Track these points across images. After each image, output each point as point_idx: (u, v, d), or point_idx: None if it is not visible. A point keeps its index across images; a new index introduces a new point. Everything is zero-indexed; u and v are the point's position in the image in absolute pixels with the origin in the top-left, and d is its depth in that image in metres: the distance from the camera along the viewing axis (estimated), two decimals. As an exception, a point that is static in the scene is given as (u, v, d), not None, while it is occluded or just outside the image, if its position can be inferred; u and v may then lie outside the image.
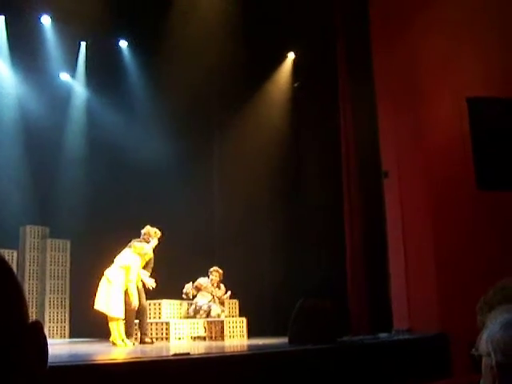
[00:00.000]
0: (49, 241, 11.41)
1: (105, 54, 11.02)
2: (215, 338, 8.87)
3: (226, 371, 4.84)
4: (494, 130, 7.45)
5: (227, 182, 11.12)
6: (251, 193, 10.57)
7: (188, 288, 9.30)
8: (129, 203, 10.79)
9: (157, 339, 8.56)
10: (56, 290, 11.27)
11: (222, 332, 8.85)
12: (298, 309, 6.65)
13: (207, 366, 4.86)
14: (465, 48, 7.53)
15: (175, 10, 10.18)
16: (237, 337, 9.01)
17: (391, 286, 7.88)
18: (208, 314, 9.11)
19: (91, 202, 10.87)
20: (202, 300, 9.24)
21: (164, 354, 6.29)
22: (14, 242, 10.98)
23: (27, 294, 10.68)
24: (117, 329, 7.65)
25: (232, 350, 7.19)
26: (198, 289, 9.34)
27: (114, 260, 7.99)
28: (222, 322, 8.96)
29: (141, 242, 8.28)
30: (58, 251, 11.50)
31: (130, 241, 8.29)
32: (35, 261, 11.33)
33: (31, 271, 11.24)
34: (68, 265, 11.53)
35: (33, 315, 10.15)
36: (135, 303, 7.81)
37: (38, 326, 0.81)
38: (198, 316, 9.17)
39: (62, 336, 11.04)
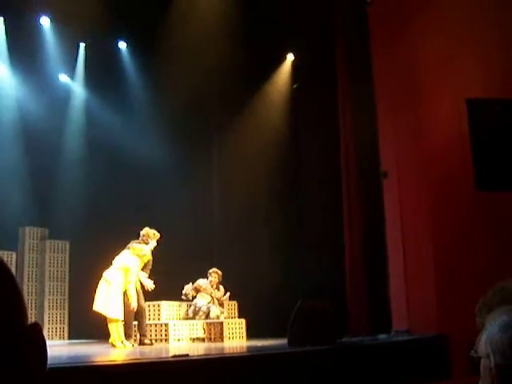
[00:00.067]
0: (48, 242, 11.40)
1: (104, 56, 11.02)
2: (214, 339, 8.86)
3: (225, 372, 4.84)
4: (493, 131, 7.45)
5: (226, 182, 11.12)
6: (250, 194, 10.58)
7: (187, 289, 9.29)
8: (128, 205, 10.79)
9: (156, 340, 8.56)
10: (55, 291, 11.26)
11: (222, 333, 8.84)
12: (297, 310, 6.65)
13: (206, 367, 4.86)
14: (464, 49, 7.53)
15: (174, 11, 10.18)
16: (236, 338, 9.00)
17: (390, 286, 7.89)
18: (207, 316, 9.10)
19: (90, 204, 10.86)
20: (202, 301, 9.24)
21: (163, 355, 6.30)
22: (13, 244, 10.97)
23: (26, 295, 10.67)
24: (116, 330, 7.65)
25: (231, 351, 7.19)
26: (198, 290, 9.33)
27: (113, 261, 7.99)
28: (222, 323, 8.95)
29: (140, 243, 8.28)
30: (58, 252, 11.49)
31: (128, 242, 8.30)
32: (34, 262, 11.31)
33: (30, 272, 11.22)
34: (67, 266, 11.51)
35: (32, 317, 10.14)
36: (134, 304, 7.81)
37: (36, 328, 0.81)
38: (197, 317, 9.16)
39: (61, 337, 11.02)
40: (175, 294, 9.33)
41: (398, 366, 5.95)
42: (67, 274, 11.48)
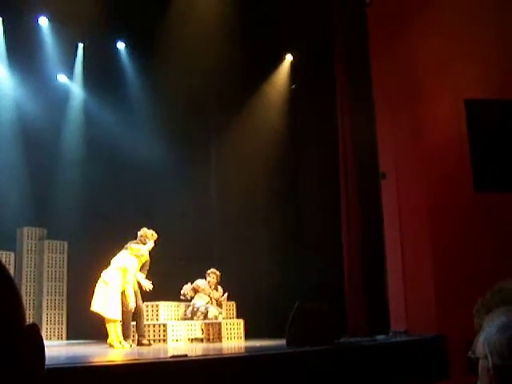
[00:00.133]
0: (46, 242, 11.38)
1: (102, 56, 11.00)
2: (213, 339, 8.86)
3: (223, 373, 4.84)
4: (492, 132, 7.46)
5: (225, 182, 11.11)
6: (249, 194, 10.57)
7: (186, 289, 9.29)
8: (126, 205, 10.79)
9: (154, 341, 8.55)
10: (53, 291, 11.25)
11: (220, 334, 8.84)
12: (296, 310, 6.65)
13: (205, 367, 4.85)
14: (463, 49, 7.54)
15: (173, 11, 10.17)
16: (234, 338, 9.00)
17: (388, 287, 7.89)
18: (205, 316, 9.09)
19: (89, 204, 10.85)
20: (200, 302, 9.23)
21: (161, 355, 6.30)
22: (11, 244, 10.96)
23: (24, 295, 10.66)
24: (114, 331, 7.64)
25: (229, 351, 7.19)
26: (196, 290, 9.33)
27: (111, 262, 7.99)
28: (220, 323, 8.95)
29: (137, 243, 8.28)
30: (56, 253, 11.47)
31: (126, 243, 8.29)
32: (32, 262, 11.29)
33: (28, 273, 11.21)
34: (65, 266, 11.49)
35: (30, 317, 10.13)
36: (132, 305, 7.81)
37: (34, 329, 0.81)
38: (195, 318, 9.16)
39: (60, 338, 11.01)
40: (173, 295, 9.33)
41: (396, 366, 5.95)
42: (65, 274, 11.46)
